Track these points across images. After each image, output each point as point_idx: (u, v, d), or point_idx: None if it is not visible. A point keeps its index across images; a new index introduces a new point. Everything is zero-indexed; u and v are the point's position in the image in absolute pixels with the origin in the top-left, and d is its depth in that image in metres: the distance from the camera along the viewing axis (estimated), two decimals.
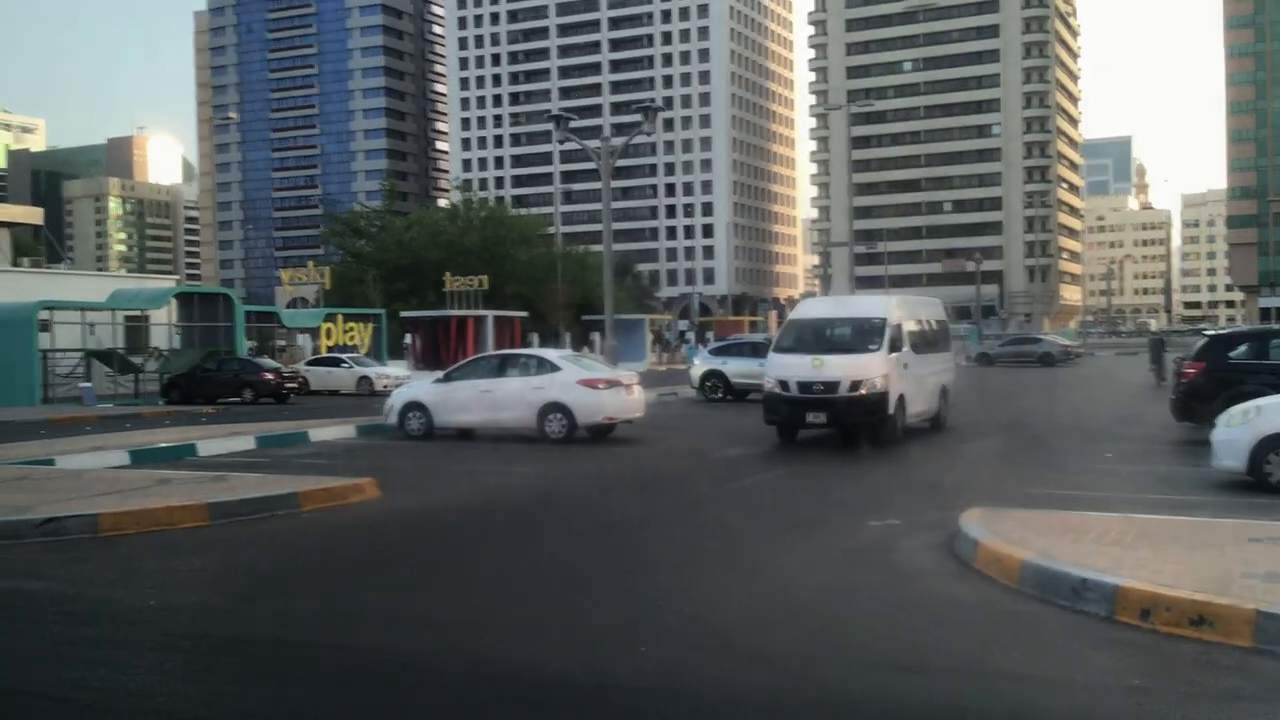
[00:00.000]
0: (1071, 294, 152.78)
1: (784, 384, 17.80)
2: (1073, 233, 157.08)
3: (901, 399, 17.82)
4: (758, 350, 30.92)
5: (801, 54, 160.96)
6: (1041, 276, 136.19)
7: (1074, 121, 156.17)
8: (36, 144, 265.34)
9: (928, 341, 20.19)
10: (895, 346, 17.90)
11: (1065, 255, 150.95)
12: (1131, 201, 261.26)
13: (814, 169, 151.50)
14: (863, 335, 18.07)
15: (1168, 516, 10.18)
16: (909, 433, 18.50)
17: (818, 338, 18.73)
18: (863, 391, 17.14)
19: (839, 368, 17.45)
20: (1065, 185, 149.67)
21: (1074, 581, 7.43)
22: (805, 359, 17.82)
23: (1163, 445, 17.91)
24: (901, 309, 19.20)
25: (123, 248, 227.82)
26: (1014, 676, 6.12)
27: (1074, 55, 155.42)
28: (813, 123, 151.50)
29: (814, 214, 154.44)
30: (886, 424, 17.38)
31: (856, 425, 17.69)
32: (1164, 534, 9.04)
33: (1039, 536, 8.80)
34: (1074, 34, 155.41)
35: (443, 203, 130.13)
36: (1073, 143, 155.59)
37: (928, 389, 19.63)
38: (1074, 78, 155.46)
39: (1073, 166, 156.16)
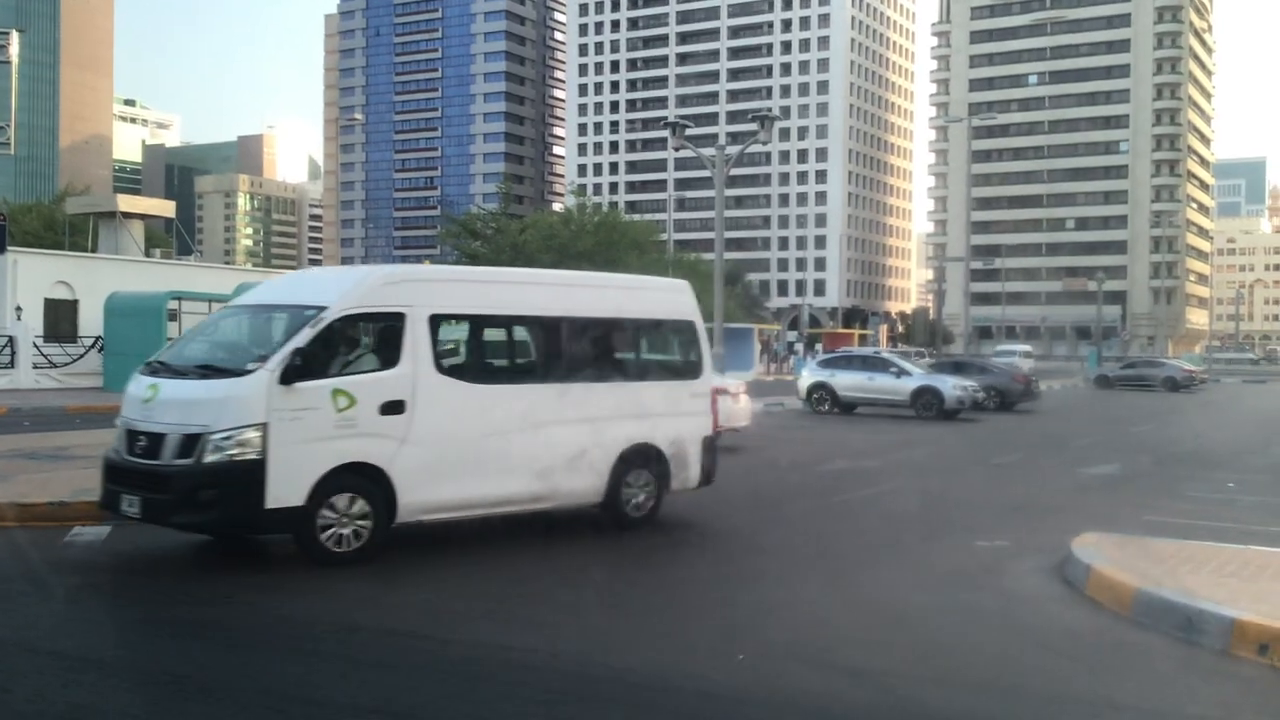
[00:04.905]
0: (1198, 318, 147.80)
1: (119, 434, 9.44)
2: (1201, 255, 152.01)
3: (373, 474, 9.06)
4: (867, 363, 30.68)
5: (922, 66, 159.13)
6: (1167, 299, 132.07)
7: (1206, 140, 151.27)
8: (171, 140, 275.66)
9: (564, 356, 10.77)
10: (340, 365, 9.26)
11: (1192, 277, 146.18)
12: (1264, 224, 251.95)
13: (931, 182, 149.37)
14: (256, 342, 9.67)
15: None
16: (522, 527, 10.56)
17: (212, 345, 10.10)
18: (207, 456, 8.55)
19: (171, 406, 8.95)
20: (1195, 205, 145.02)
21: (1189, 612, 7.21)
22: (145, 384, 9.32)
23: None
24: (418, 289, 9.84)
25: (249, 242, 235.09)
26: (1122, 707, 5.96)
27: (1208, 73, 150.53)
28: (932, 135, 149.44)
29: (930, 228, 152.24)
30: (260, 521, 8.72)
31: (203, 525, 8.98)
32: None
33: (1154, 565, 8.55)
34: (1209, 51, 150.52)
35: (557, 206, 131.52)
36: (1204, 162, 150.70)
37: (553, 452, 10.28)
38: (1207, 95, 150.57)
39: (1203, 186, 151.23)
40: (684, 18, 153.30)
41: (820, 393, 29.86)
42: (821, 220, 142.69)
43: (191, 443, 8.58)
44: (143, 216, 50.83)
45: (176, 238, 66.48)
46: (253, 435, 8.53)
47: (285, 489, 8.59)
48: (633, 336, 11.78)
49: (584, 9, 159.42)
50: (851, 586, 9.02)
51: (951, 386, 28.62)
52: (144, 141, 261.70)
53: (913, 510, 13.47)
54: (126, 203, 50.28)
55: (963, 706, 5.97)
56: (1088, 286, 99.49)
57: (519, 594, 8.48)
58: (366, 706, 5.69)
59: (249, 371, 8.81)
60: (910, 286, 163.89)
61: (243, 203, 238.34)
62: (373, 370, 9.39)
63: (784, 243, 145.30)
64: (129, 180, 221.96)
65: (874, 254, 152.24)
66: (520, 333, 10.97)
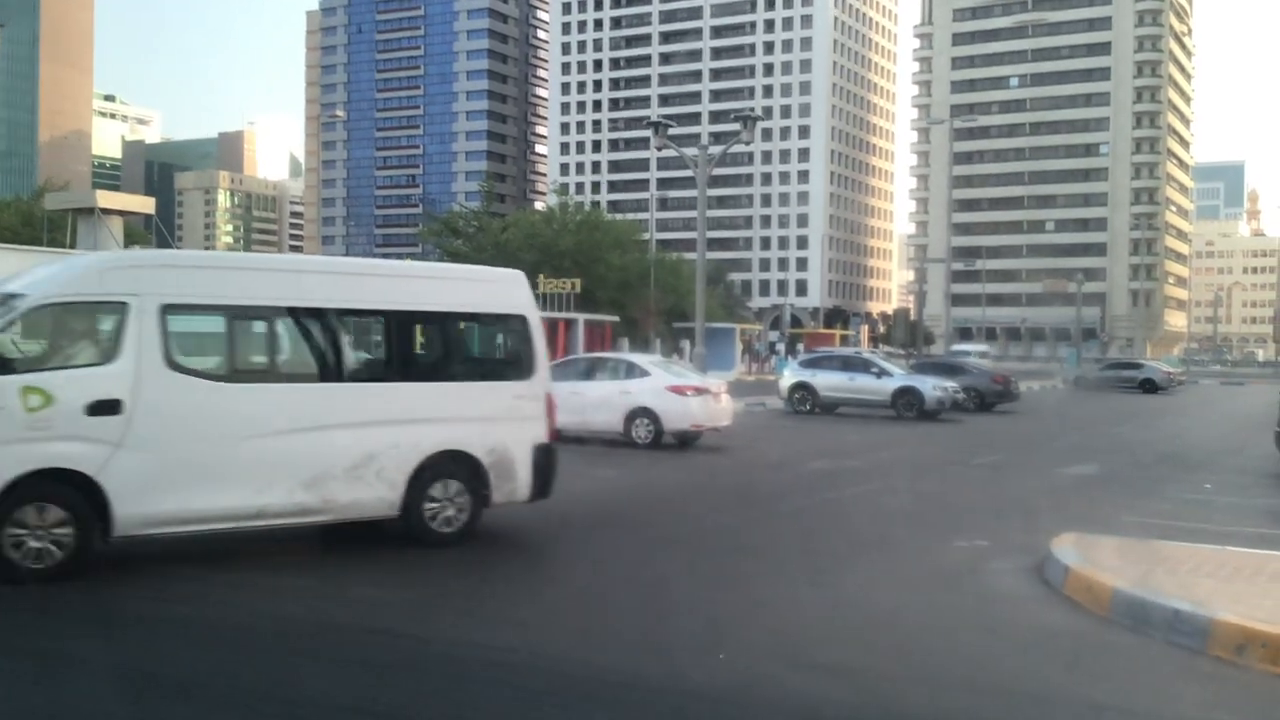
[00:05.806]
0: (1176, 320, 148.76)
1: None
2: (1180, 257, 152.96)
3: (80, 481, 8.13)
4: (848, 364, 30.72)
5: (904, 67, 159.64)
6: (1145, 301, 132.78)
7: (1185, 144, 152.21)
8: (151, 136, 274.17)
9: (341, 352, 9.80)
10: (39, 359, 8.65)
11: (1171, 280, 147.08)
12: (1242, 228, 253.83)
13: (913, 183, 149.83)
14: None
15: (1268, 552, 9.85)
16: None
17: None
18: None
19: None
20: (1174, 208, 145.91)
21: (1167, 613, 7.23)
22: None
23: (1265, 478, 17.34)
24: (149, 276, 8.82)
25: (229, 240, 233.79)
26: (1100, 706, 5.98)
27: (1187, 76, 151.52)
28: (913, 136, 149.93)
29: (911, 229, 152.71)
30: None
31: None
32: (1264, 569, 8.77)
33: (1132, 565, 8.58)
34: (1188, 54, 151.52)
35: (539, 205, 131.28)
36: (1183, 165, 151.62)
37: (327, 459, 9.18)
38: (1187, 99, 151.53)
39: (1182, 190, 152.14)
40: (666, 17, 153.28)
41: (801, 393, 29.89)
42: (803, 220, 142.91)
43: None
44: (122, 213, 50.48)
45: (156, 235, 66.05)
46: None
47: None
48: (440, 331, 10.60)
49: (567, 8, 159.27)
50: (832, 586, 9.03)
51: (931, 387, 28.73)
52: (124, 137, 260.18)
53: (893, 510, 13.49)
54: (106, 199, 49.92)
55: (943, 706, 5.98)
56: (1067, 288, 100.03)
57: (498, 593, 8.46)
58: (346, 705, 5.66)
59: None
60: (891, 287, 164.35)
61: (223, 199, 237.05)
62: (83, 366, 8.52)
63: (766, 243, 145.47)
64: (108, 176, 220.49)
65: (855, 254, 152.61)
66: (286, 326, 9.70)
